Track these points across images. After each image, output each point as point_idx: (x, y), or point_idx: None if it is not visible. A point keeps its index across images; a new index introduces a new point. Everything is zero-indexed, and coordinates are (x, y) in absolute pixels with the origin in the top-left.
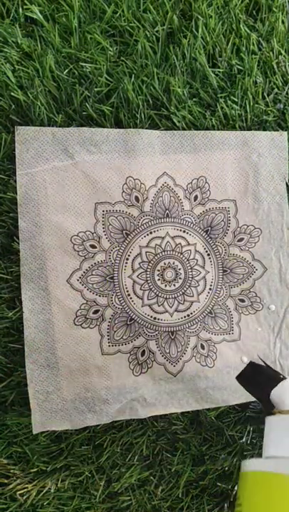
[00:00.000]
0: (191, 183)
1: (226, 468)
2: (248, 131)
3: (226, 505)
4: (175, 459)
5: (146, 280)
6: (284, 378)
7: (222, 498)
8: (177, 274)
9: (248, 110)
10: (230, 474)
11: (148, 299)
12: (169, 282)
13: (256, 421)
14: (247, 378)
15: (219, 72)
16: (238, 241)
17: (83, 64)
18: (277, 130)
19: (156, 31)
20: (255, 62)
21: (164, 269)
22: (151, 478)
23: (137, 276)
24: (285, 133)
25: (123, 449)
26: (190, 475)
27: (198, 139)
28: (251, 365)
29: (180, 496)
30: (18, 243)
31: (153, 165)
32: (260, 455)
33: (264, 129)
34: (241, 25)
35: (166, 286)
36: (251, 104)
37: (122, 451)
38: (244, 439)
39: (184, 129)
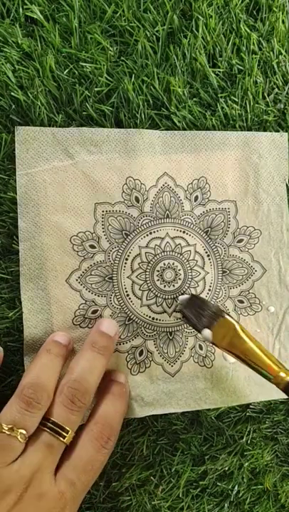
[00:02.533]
0: (192, 183)
1: (226, 468)
2: (249, 132)
3: (226, 505)
4: (175, 459)
5: (146, 280)
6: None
7: (222, 498)
8: (177, 274)
9: (249, 110)
10: (231, 474)
11: (147, 300)
12: (169, 283)
13: (256, 421)
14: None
15: (219, 72)
16: (238, 242)
17: (83, 64)
18: (278, 130)
19: (157, 31)
20: (255, 62)
21: (164, 270)
22: (152, 478)
23: (136, 277)
24: (286, 134)
25: (123, 449)
26: (190, 475)
27: (199, 140)
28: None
29: (180, 495)
30: (18, 243)
31: (153, 165)
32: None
33: (264, 129)
34: (241, 25)
35: (165, 286)
36: (252, 104)
37: (122, 451)
38: (244, 439)
39: (184, 129)
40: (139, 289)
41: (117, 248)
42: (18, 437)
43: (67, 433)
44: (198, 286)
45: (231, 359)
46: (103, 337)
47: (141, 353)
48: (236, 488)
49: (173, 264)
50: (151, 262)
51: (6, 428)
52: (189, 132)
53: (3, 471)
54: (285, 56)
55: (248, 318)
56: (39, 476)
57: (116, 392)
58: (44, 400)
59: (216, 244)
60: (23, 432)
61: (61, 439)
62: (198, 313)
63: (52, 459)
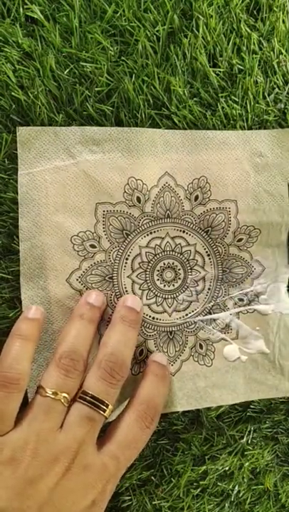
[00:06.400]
0: (192, 182)
1: (227, 468)
2: (250, 131)
3: (226, 504)
4: (176, 459)
5: (146, 280)
6: None
7: (223, 498)
8: (176, 274)
9: (249, 110)
10: (231, 474)
11: (147, 299)
12: (168, 282)
13: (257, 421)
14: None
15: (220, 71)
16: (238, 241)
17: (84, 64)
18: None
19: (157, 31)
20: (255, 61)
21: (164, 270)
22: (152, 478)
23: (136, 276)
24: None
25: None
26: (191, 475)
27: (200, 139)
28: None
29: (181, 495)
30: (18, 243)
31: (155, 165)
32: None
33: (265, 129)
34: (242, 25)
35: (165, 286)
36: (252, 103)
37: None
38: (244, 439)
39: (184, 128)
40: (139, 289)
41: (118, 248)
42: (62, 400)
43: (106, 407)
44: (197, 285)
45: (232, 357)
46: (131, 311)
47: (141, 353)
48: (237, 488)
49: (173, 263)
50: (152, 262)
51: (50, 392)
52: (190, 131)
53: (49, 438)
54: (285, 56)
55: (247, 315)
56: (84, 448)
57: (159, 374)
58: (81, 366)
59: (217, 244)
60: (66, 395)
61: (101, 412)
62: None
63: (93, 432)
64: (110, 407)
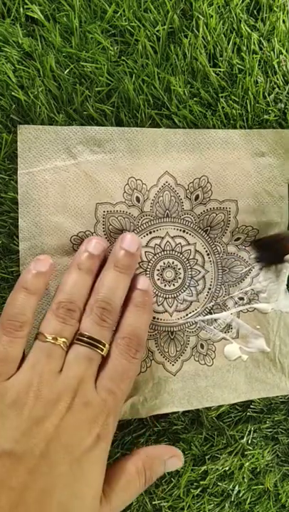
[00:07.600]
0: (193, 182)
1: (227, 468)
2: (252, 130)
3: (226, 504)
4: None
5: None
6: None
7: (223, 498)
8: (177, 273)
9: (249, 110)
10: (231, 474)
11: None
12: (169, 282)
13: (257, 421)
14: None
15: (220, 71)
16: (235, 240)
17: (84, 64)
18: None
19: (157, 31)
20: (256, 61)
21: (164, 269)
22: None
23: None
24: None
25: (124, 449)
26: (191, 475)
27: (201, 138)
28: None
29: (181, 495)
30: (18, 243)
31: (155, 164)
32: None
33: (265, 129)
34: (242, 25)
35: (165, 286)
36: (252, 103)
37: (123, 452)
38: (245, 439)
39: (184, 128)
40: None
41: None
42: (61, 345)
43: (104, 346)
44: (198, 285)
45: (232, 356)
46: (125, 256)
47: None
48: (237, 488)
49: (173, 263)
50: (152, 261)
51: (50, 337)
52: (191, 130)
53: (51, 379)
54: (285, 56)
55: (247, 314)
56: (83, 386)
57: (139, 303)
58: (77, 315)
59: (215, 243)
60: (65, 340)
61: (99, 351)
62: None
63: (92, 371)
64: (107, 346)
